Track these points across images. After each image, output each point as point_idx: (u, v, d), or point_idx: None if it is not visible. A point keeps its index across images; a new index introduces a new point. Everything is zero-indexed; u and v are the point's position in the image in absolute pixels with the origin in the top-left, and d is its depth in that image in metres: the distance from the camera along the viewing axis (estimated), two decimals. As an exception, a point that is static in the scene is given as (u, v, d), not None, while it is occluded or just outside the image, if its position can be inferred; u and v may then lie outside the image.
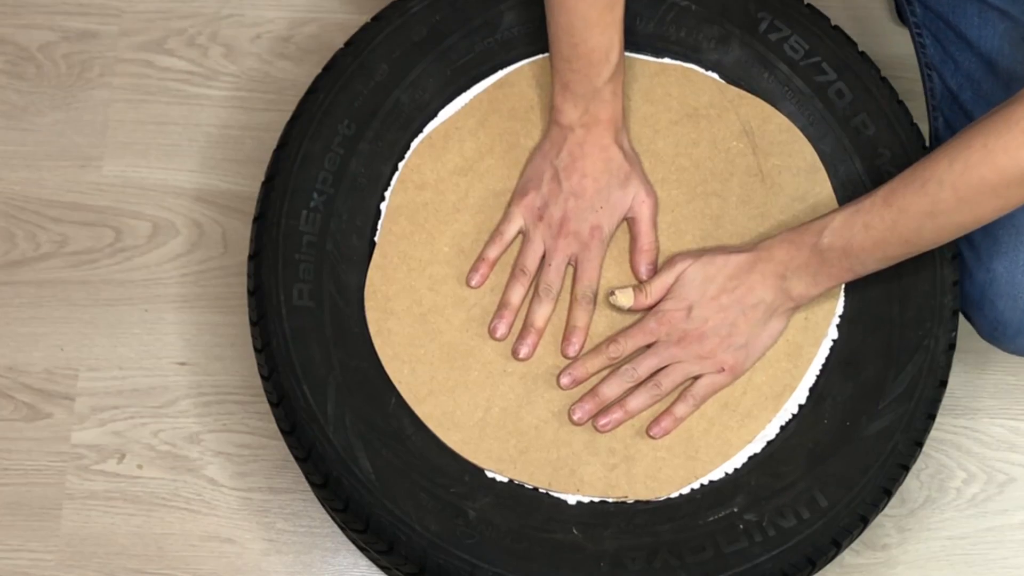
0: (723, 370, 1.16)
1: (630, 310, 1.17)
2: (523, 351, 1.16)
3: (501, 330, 1.16)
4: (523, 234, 1.19)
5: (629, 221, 1.19)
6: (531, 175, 1.19)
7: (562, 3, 1.13)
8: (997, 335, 1.24)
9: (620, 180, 1.18)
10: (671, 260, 1.18)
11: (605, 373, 1.17)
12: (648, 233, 1.19)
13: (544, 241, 1.18)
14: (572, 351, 1.17)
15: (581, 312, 1.17)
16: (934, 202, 1.06)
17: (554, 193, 1.17)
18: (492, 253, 1.18)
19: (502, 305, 1.17)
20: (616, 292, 1.17)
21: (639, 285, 1.17)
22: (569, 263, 1.18)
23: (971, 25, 1.27)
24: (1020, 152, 1.01)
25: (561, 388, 1.16)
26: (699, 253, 1.18)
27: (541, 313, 1.17)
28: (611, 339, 1.17)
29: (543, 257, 1.18)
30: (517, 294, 1.17)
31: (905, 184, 1.08)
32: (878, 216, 1.09)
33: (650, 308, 1.17)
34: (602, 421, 1.15)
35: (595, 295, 1.18)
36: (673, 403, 1.16)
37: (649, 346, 1.17)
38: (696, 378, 1.16)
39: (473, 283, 1.17)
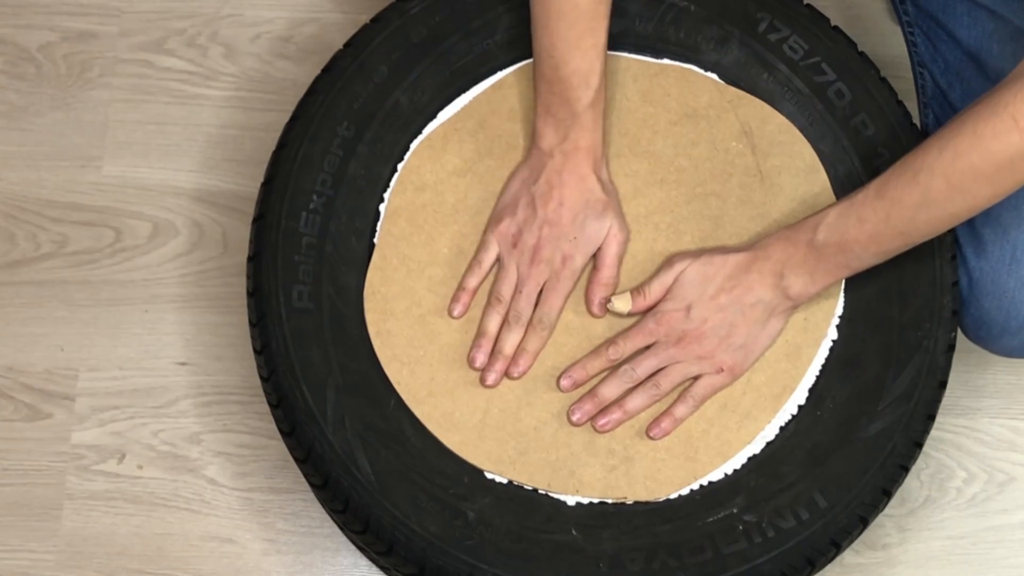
0: (722, 370, 1.16)
1: (629, 314, 1.17)
2: (490, 378, 1.16)
3: (480, 359, 1.16)
4: (499, 260, 1.18)
5: (596, 252, 1.19)
6: (507, 201, 1.19)
7: (544, 24, 1.13)
8: (982, 334, 1.24)
9: (597, 211, 1.17)
10: (669, 260, 1.18)
11: (604, 375, 1.17)
12: (611, 268, 1.18)
13: (518, 268, 1.17)
14: (516, 372, 1.16)
15: (534, 337, 1.17)
16: (926, 192, 1.06)
17: (529, 220, 1.17)
18: (471, 283, 1.18)
19: (480, 334, 1.17)
20: (612, 299, 1.17)
21: (638, 287, 1.17)
22: (541, 291, 1.18)
23: (960, 24, 1.27)
24: (1009, 136, 1.01)
25: (561, 391, 1.16)
26: (698, 253, 1.18)
27: (510, 341, 1.16)
28: (610, 341, 1.17)
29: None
30: (494, 323, 1.17)
31: (897, 176, 1.08)
32: (871, 209, 1.09)
33: (649, 309, 1.17)
34: (601, 421, 1.15)
35: (552, 324, 1.17)
36: (672, 404, 1.16)
37: (648, 347, 1.17)
38: (695, 378, 1.16)
39: (455, 313, 1.17)
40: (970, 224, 1.22)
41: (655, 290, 1.17)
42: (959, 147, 1.03)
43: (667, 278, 1.17)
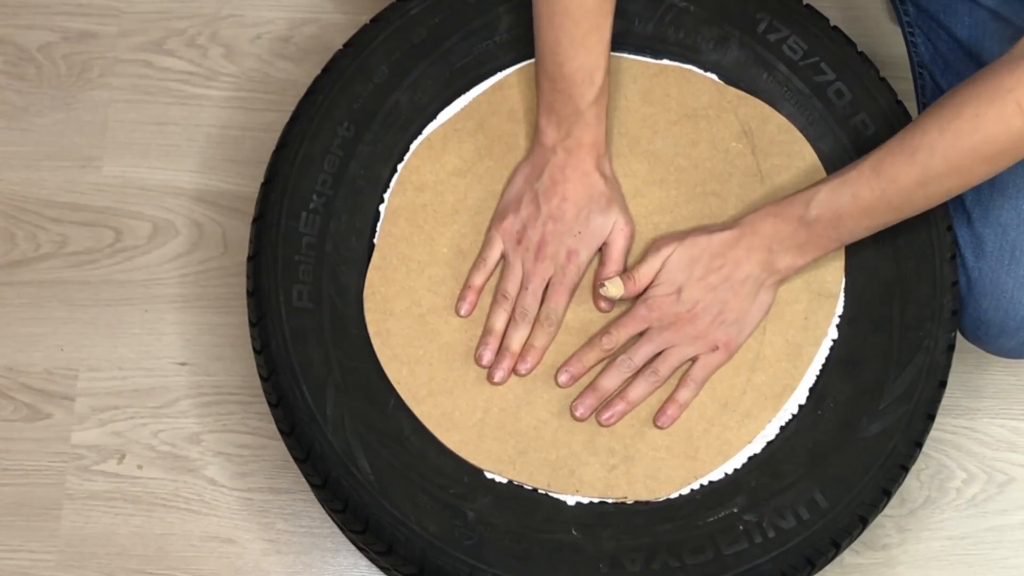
0: (717, 348, 1.16)
1: (621, 299, 1.17)
2: (498, 375, 1.16)
3: (487, 357, 1.16)
4: (504, 258, 1.18)
5: (602, 247, 1.19)
6: (510, 198, 1.19)
7: (549, 21, 1.13)
8: (980, 334, 1.24)
9: (601, 207, 1.17)
10: (655, 245, 1.18)
11: (602, 367, 1.17)
12: (618, 262, 1.18)
13: (523, 264, 1.17)
14: (524, 369, 1.16)
15: (541, 333, 1.17)
16: (924, 170, 1.07)
17: (532, 216, 1.17)
18: (477, 280, 1.18)
19: (486, 331, 1.17)
20: (606, 283, 1.17)
21: (627, 272, 1.17)
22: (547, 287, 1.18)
23: (962, 25, 1.27)
24: (1013, 121, 1.02)
25: (559, 386, 1.16)
26: (682, 235, 1.17)
27: (517, 337, 1.16)
28: (604, 331, 1.16)
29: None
30: (500, 320, 1.17)
31: (894, 154, 1.08)
32: (867, 186, 1.09)
33: (638, 296, 1.17)
34: (605, 415, 1.15)
35: (559, 319, 1.17)
36: (675, 390, 1.16)
37: (642, 334, 1.17)
38: (693, 360, 1.16)
39: (462, 312, 1.17)
40: (969, 224, 1.22)
41: (643, 274, 1.16)
42: (960, 129, 1.04)
43: (655, 262, 1.16)
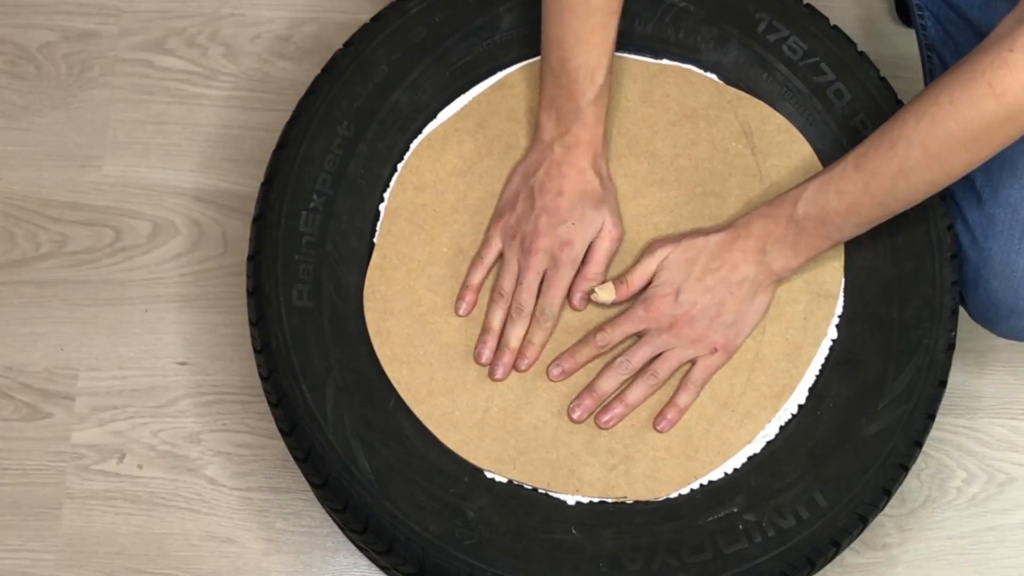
0: (716, 350, 1.16)
1: (613, 304, 1.17)
2: (498, 372, 1.16)
3: (486, 355, 1.16)
4: (501, 255, 1.18)
5: (588, 245, 1.18)
6: (508, 197, 1.19)
7: (557, 17, 1.13)
8: (990, 316, 1.24)
9: (594, 203, 1.17)
10: (650, 247, 1.18)
11: (599, 369, 1.16)
12: (599, 264, 1.18)
13: (518, 260, 1.17)
14: (523, 365, 1.16)
15: (538, 330, 1.17)
16: (904, 161, 1.06)
17: (527, 211, 1.17)
18: (475, 279, 1.18)
19: (484, 330, 1.17)
20: (596, 289, 1.16)
21: (620, 276, 1.17)
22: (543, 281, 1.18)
23: (973, 6, 1.27)
24: (985, 104, 1.01)
25: (551, 380, 1.16)
26: (677, 238, 1.17)
27: (515, 334, 1.16)
28: (598, 328, 1.16)
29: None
30: (498, 318, 1.17)
31: (874, 147, 1.08)
32: (850, 181, 1.10)
33: (632, 298, 1.17)
34: (604, 418, 1.15)
35: (555, 314, 1.17)
36: (674, 394, 1.16)
37: (639, 335, 1.17)
38: (692, 363, 1.16)
39: (461, 312, 1.17)
40: (979, 204, 1.21)
41: (638, 277, 1.17)
42: (936, 116, 1.04)
43: (650, 265, 1.17)
